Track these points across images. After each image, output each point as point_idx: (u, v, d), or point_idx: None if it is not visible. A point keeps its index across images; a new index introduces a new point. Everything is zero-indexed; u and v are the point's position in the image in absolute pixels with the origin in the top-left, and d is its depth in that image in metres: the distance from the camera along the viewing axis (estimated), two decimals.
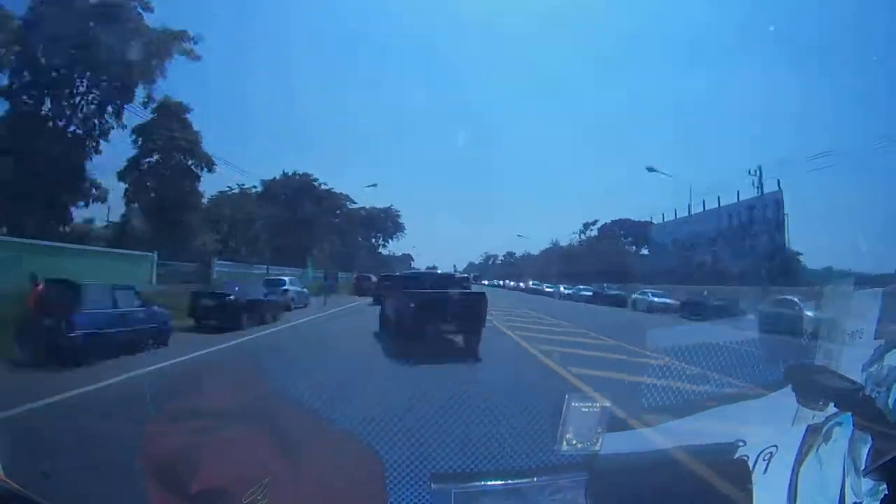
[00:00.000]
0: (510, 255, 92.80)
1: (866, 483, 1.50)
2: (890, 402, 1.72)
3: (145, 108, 24.60)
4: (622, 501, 1.95)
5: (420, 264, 78.09)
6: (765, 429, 1.94)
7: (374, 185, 54.05)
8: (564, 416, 1.88)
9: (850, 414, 1.44)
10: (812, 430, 1.73)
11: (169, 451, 1.70)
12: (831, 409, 1.56)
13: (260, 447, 1.81)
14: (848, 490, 1.61)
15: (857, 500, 1.57)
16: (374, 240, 75.00)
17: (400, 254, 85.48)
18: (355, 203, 58.03)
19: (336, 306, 24.87)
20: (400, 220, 73.37)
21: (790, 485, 1.72)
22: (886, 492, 1.25)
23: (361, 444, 2.48)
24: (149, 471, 1.65)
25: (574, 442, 1.86)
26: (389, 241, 75.73)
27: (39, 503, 1.12)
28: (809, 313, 12.53)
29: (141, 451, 1.78)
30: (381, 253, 76.48)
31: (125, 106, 23.66)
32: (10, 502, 1.09)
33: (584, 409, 1.88)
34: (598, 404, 1.89)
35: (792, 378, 1.57)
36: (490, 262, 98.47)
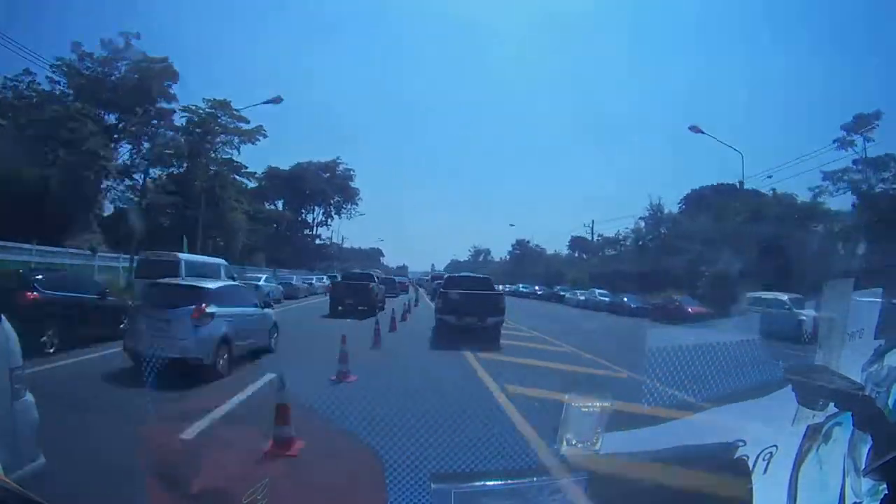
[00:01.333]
0: (522, 243, 67.07)
1: (866, 483, 1.50)
2: (890, 402, 1.72)
3: None
4: (622, 501, 1.95)
5: (390, 262, 63.42)
6: (765, 429, 1.93)
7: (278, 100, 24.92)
8: (564, 416, 1.88)
9: (850, 414, 1.44)
10: (812, 430, 1.73)
11: (169, 451, 1.71)
12: (831, 409, 1.56)
13: (260, 447, 1.82)
14: (848, 490, 1.61)
15: (857, 500, 1.56)
16: (306, 214, 47.42)
17: (367, 247, 64.89)
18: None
19: None
20: (353, 185, 47.54)
21: (790, 485, 1.72)
22: (886, 492, 1.25)
23: (362, 444, 2.49)
24: (149, 471, 1.66)
25: (574, 442, 1.86)
26: (335, 217, 48.50)
27: (39, 503, 1.12)
28: None
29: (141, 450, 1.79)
30: (318, 236, 48.55)
31: None
32: (9, 502, 1.09)
33: (583, 409, 1.88)
34: (597, 404, 1.89)
35: (792, 378, 1.57)
36: (481, 259, 77.02)
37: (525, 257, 66.05)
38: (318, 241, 49.85)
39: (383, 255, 69.65)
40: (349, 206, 49.37)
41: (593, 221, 49.86)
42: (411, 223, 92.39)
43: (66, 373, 8.42)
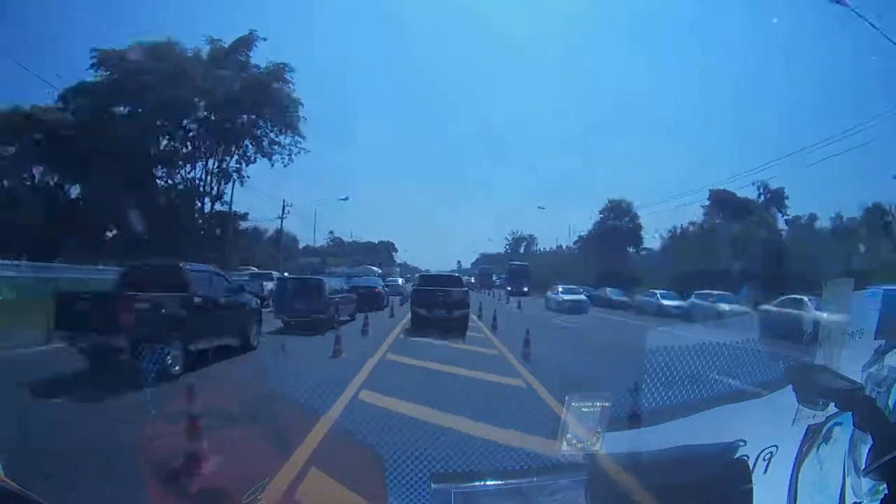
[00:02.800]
0: (616, 206, 39.33)
1: (866, 483, 1.50)
2: (890, 402, 1.72)
3: None
4: (622, 501, 1.96)
5: (407, 259, 54.84)
6: (765, 429, 1.93)
7: None
8: (564, 416, 1.88)
9: (850, 414, 1.44)
10: (812, 430, 1.73)
11: (169, 451, 1.72)
12: (831, 409, 1.56)
13: (260, 447, 1.82)
14: (848, 490, 1.61)
15: (857, 500, 1.57)
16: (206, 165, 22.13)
17: (364, 241, 47.36)
18: None
19: None
20: (294, 96, 22.15)
21: (790, 485, 1.72)
22: (886, 492, 1.25)
23: (362, 444, 2.49)
24: (149, 471, 1.66)
25: (574, 442, 1.86)
26: (251, 161, 22.94)
27: (40, 503, 1.12)
28: None
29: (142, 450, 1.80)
30: (215, 197, 24.27)
31: None
32: (9, 502, 1.09)
33: (584, 409, 1.88)
34: (598, 404, 1.89)
35: (792, 378, 1.57)
36: (522, 249, 55.00)
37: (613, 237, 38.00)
38: (215, 210, 23.84)
39: (396, 250, 55.31)
40: (288, 140, 22.01)
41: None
42: (432, 215, 76.63)
43: None
